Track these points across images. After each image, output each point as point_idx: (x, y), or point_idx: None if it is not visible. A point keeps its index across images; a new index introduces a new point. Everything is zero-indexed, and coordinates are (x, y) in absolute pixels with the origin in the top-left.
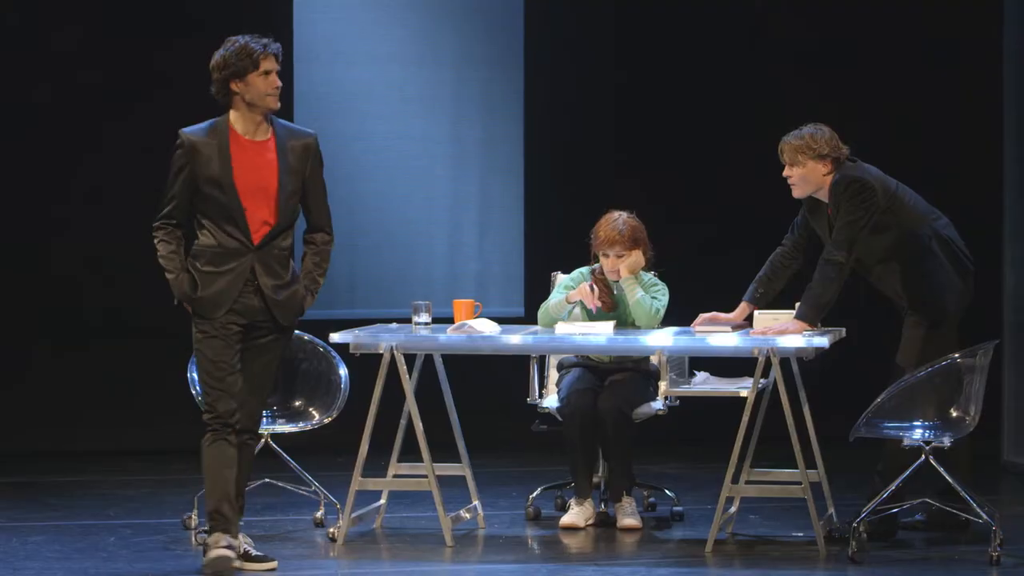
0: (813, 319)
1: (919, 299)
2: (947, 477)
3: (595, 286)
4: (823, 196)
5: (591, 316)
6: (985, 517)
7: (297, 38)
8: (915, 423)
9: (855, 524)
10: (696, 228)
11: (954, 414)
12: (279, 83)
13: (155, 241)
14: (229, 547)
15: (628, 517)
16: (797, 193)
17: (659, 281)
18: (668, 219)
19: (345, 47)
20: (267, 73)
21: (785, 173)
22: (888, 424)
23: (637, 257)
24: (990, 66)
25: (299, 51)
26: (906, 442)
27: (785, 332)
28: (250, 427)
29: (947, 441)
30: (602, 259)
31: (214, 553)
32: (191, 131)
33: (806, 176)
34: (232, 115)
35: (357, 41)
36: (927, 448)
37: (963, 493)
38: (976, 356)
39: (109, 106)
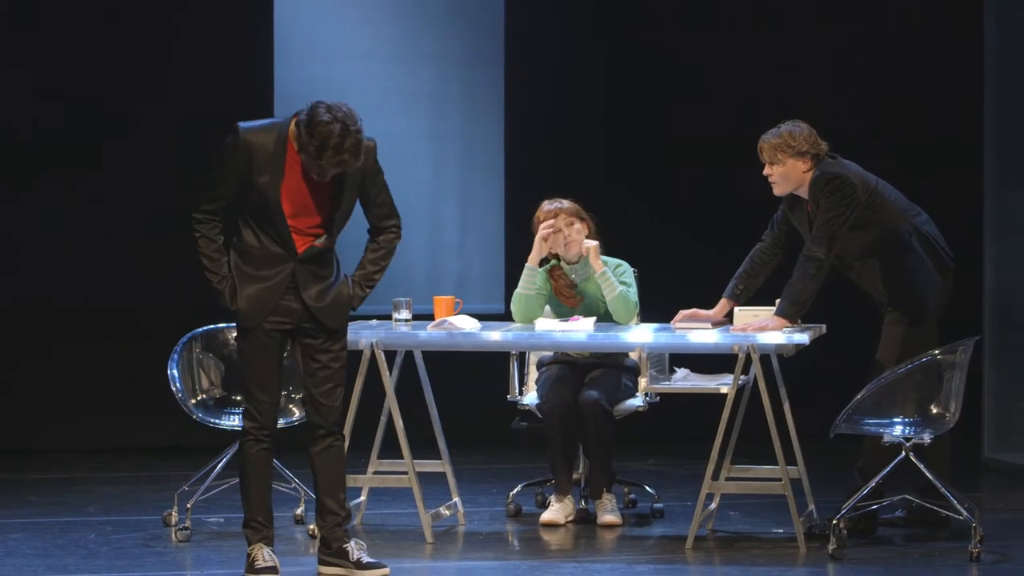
0: (793, 316)
1: (899, 296)
2: (927, 474)
3: (553, 279)
4: (803, 193)
5: (560, 313)
6: (965, 514)
7: (278, 35)
8: (895, 420)
9: (835, 521)
10: (677, 225)
11: (934, 411)
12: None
13: (196, 234)
14: (274, 569)
15: (608, 514)
16: (778, 191)
17: (621, 262)
18: (650, 216)
19: (326, 44)
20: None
21: (765, 172)
22: (868, 421)
23: (590, 238)
24: (970, 62)
25: (280, 48)
26: (886, 439)
27: (765, 329)
28: (333, 429)
29: (927, 438)
30: (555, 237)
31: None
32: (249, 129)
33: (786, 174)
34: (293, 128)
35: (338, 38)
36: (907, 445)
37: (943, 490)
38: (956, 353)
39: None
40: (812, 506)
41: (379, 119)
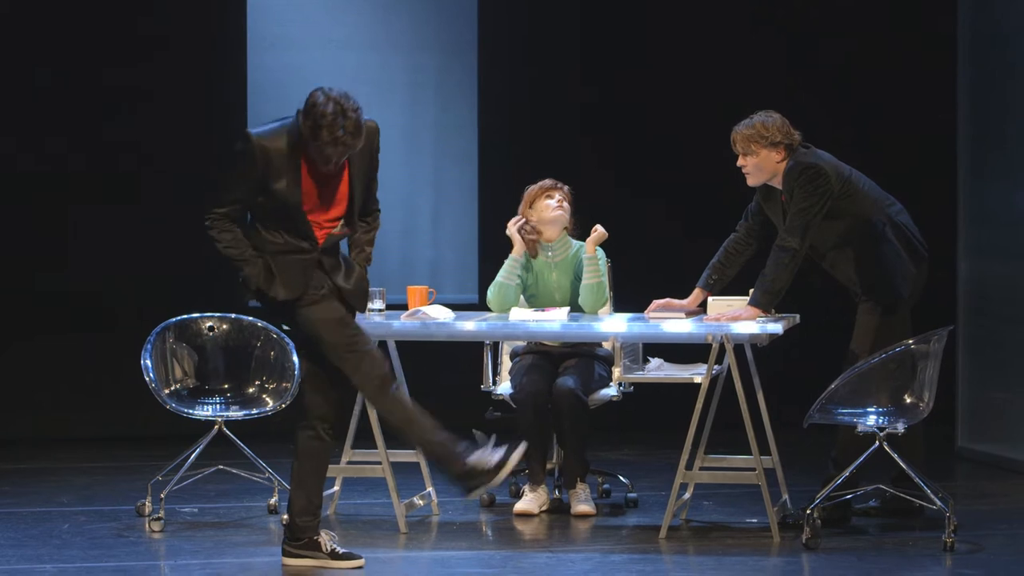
0: (767, 305)
1: (873, 285)
2: (901, 463)
3: (524, 230)
4: (777, 183)
5: (534, 304)
6: (939, 503)
7: (251, 24)
8: (869, 409)
9: (809, 510)
10: (654, 214)
11: (908, 400)
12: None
13: (212, 232)
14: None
15: (582, 503)
16: (752, 182)
17: (598, 250)
18: (626, 205)
19: (299, 33)
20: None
21: (739, 163)
22: (842, 410)
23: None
24: (943, 51)
25: (253, 37)
26: (860, 428)
27: (739, 318)
28: (329, 424)
29: (901, 427)
30: (539, 203)
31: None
32: (262, 135)
33: (760, 164)
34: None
35: (311, 27)
36: (881, 434)
37: (917, 479)
38: (930, 342)
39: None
40: (786, 496)
41: None
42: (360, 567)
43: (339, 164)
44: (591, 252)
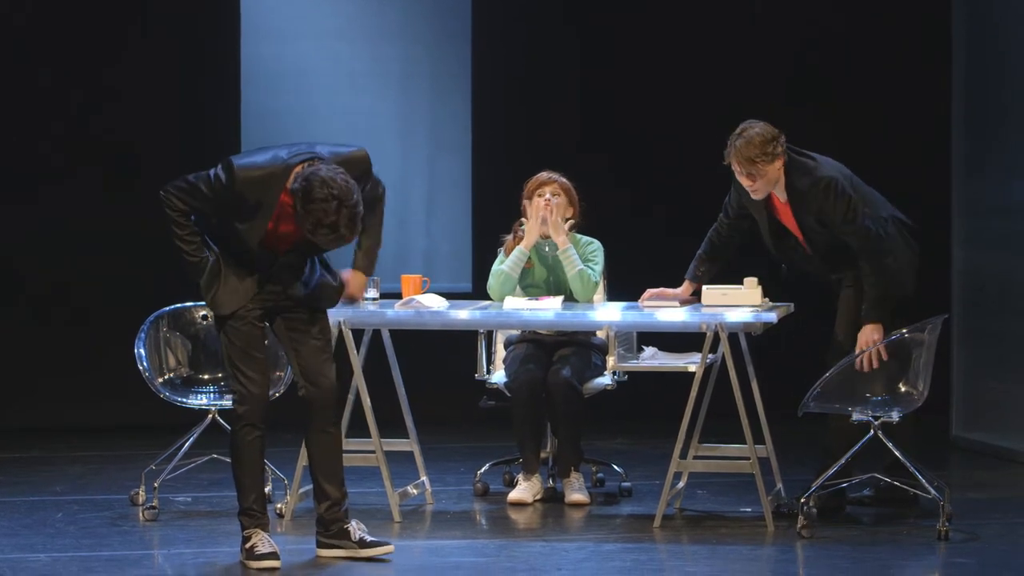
0: (877, 316)
1: (886, 283)
2: (895, 452)
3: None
4: (779, 189)
5: (529, 293)
6: (934, 492)
7: (244, 14)
8: (863, 398)
9: (804, 500)
10: (648, 204)
11: (903, 389)
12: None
13: (171, 212)
14: (274, 555)
15: (576, 493)
16: (759, 196)
17: (593, 240)
18: (620, 195)
19: (292, 23)
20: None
21: (746, 184)
22: (836, 399)
23: (566, 208)
24: (939, 43)
25: (246, 27)
26: (855, 417)
27: (874, 341)
28: (333, 419)
29: (895, 416)
30: (534, 202)
31: (264, 564)
32: (246, 172)
33: (767, 180)
34: (290, 183)
35: (304, 17)
36: (876, 423)
37: (911, 468)
38: (925, 331)
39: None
40: (780, 485)
41: (346, 98)
42: (389, 552)
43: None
44: (561, 245)
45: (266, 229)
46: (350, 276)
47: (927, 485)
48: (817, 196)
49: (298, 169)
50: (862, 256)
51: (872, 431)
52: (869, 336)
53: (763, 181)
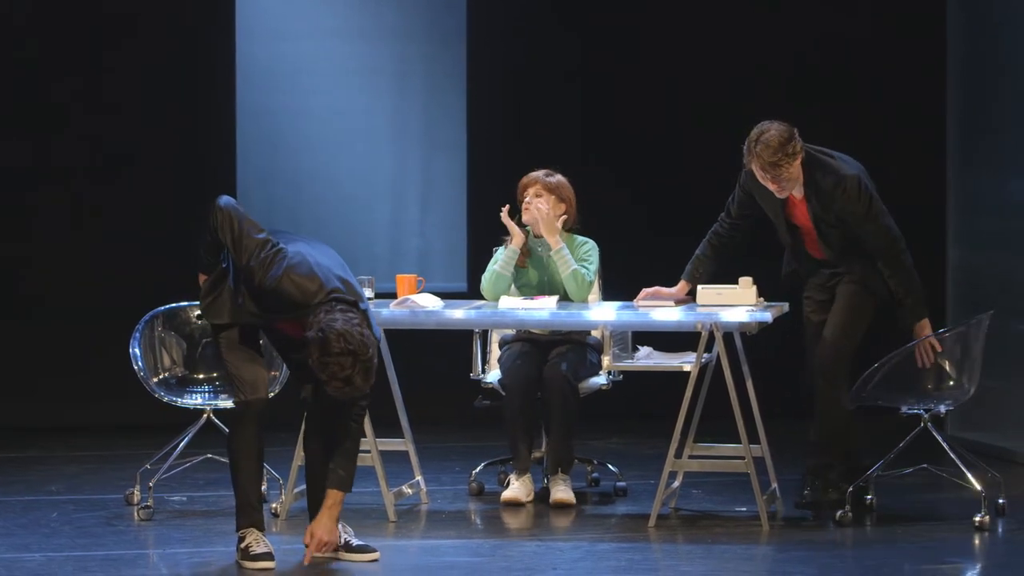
0: (923, 311)
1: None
2: (944, 445)
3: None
4: (799, 188)
5: (524, 292)
6: (978, 485)
7: (240, 13)
8: (918, 391)
9: (851, 488)
10: (643, 203)
11: (952, 383)
12: None
13: (212, 225)
14: (269, 555)
15: (560, 492)
16: (783, 195)
17: (588, 240)
18: (614, 193)
19: (288, 21)
20: None
21: (772, 188)
22: (885, 393)
23: (555, 206)
24: (934, 40)
25: (241, 26)
26: (903, 410)
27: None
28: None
29: (943, 410)
30: (524, 206)
31: (259, 565)
32: (297, 278)
33: (790, 178)
34: (310, 323)
35: (299, 15)
36: (926, 416)
37: (958, 462)
38: (978, 325)
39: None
40: (775, 484)
41: (341, 96)
42: (375, 559)
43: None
44: (554, 246)
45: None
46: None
47: (972, 479)
48: (842, 195)
49: (319, 315)
50: (880, 255)
51: (922, 424)
52: (925, 332)
53: (786, 179)
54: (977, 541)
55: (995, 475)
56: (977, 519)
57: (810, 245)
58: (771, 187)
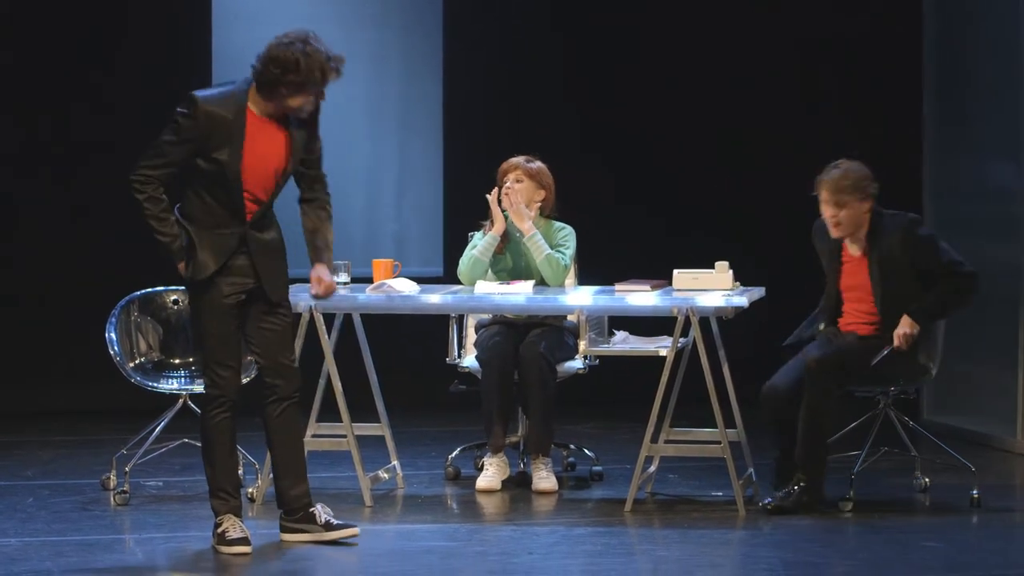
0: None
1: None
2: (900, 431)
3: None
4: (859, 237)
5: (500, 277)
6: (967, 463)
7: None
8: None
9: (852, 474)
10: (619, 188)
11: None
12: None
13: (139, 195)
14: (246, 540)
15: (543, 480)
16: (839, 233)
17: (565, 225)
18: (589, 178)
19: (264, 7)
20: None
21: (829, 214)
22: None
23: (535, 192)
24: (910, 27)
25: (218, 12)
26: (858, 393)
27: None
28: (293, 396)
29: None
30: (504, 191)
31: (235, 550)
32: (207, 99)
33: (852, 216)
34: (252, 92)
35: (276, 1)
36: (888, 399)
37: (941, 444)
38: None
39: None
40: (751, 469)
41: None
42: (355, 535)
43: (312, 111)
44: (526, 232)
45: (242, 151)
46: (321, 272)
47: (961, 459)
48: (919, 243)
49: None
50: (948, 286)
51: (883, 406)
52: (908, 327)
53: (848, 216)
54: (954, 523)
55: (965, 462)
56: (944, 499)
57: (851, 303)
58: (827, 213)
